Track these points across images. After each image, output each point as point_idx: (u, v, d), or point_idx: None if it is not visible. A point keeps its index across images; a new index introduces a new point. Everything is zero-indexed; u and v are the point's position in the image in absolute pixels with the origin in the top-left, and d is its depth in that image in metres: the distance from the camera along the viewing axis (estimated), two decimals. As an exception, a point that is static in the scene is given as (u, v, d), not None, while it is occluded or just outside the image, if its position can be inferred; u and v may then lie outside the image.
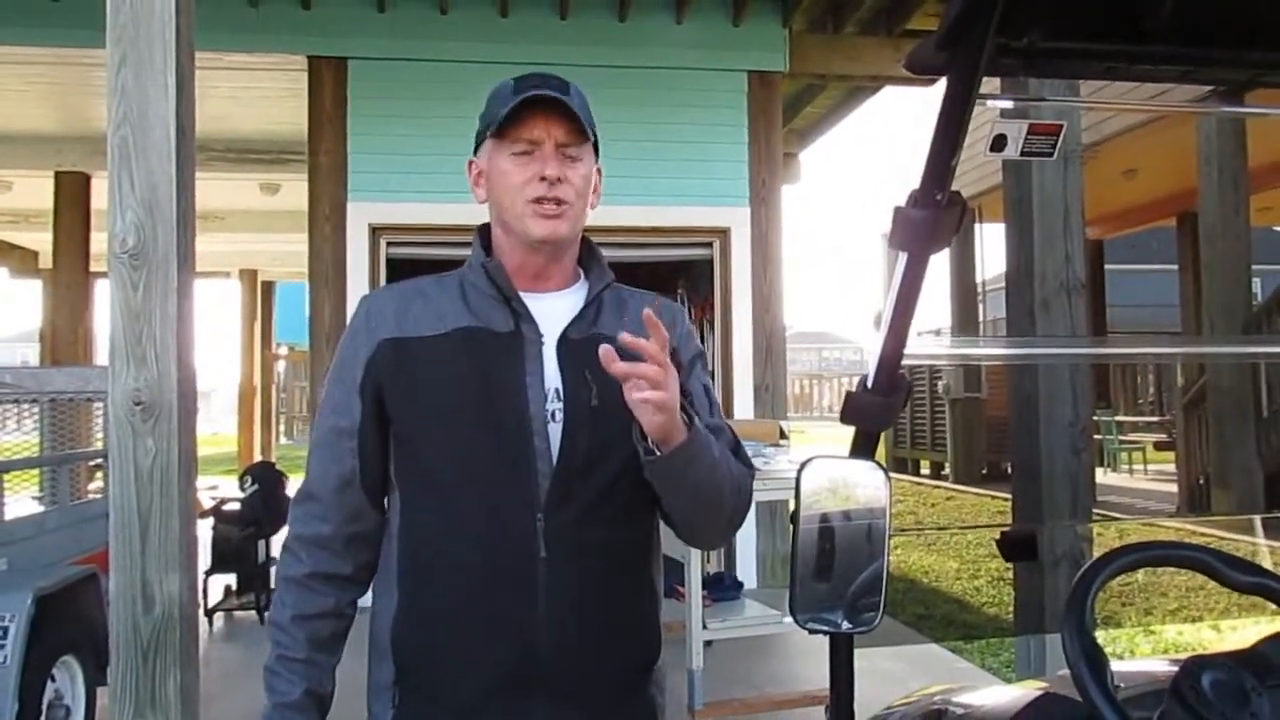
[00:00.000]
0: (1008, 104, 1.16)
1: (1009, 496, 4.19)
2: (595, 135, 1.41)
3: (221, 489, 7.78)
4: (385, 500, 1.42)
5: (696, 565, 3.58)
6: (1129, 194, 11.92)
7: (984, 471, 12.93)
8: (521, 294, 1.38)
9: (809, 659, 4.51)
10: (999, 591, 6.69)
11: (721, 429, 1.45)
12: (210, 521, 5.92)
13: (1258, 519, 3.08)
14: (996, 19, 0.98)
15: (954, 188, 1.13)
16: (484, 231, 1.46)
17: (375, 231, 6.30)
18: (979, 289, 13.69)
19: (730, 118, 6.66)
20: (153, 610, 2.19)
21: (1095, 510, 8.53)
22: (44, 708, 3.36)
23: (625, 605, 1.38)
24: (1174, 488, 10.10)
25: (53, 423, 4.26)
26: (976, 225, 12.45)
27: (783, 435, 4.66)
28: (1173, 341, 10.16)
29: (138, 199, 2.22)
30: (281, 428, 19.57)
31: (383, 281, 6.30)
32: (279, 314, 16.59)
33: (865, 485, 1.23)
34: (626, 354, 1.19)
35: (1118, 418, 13.60)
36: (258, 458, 13.06)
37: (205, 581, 5.61)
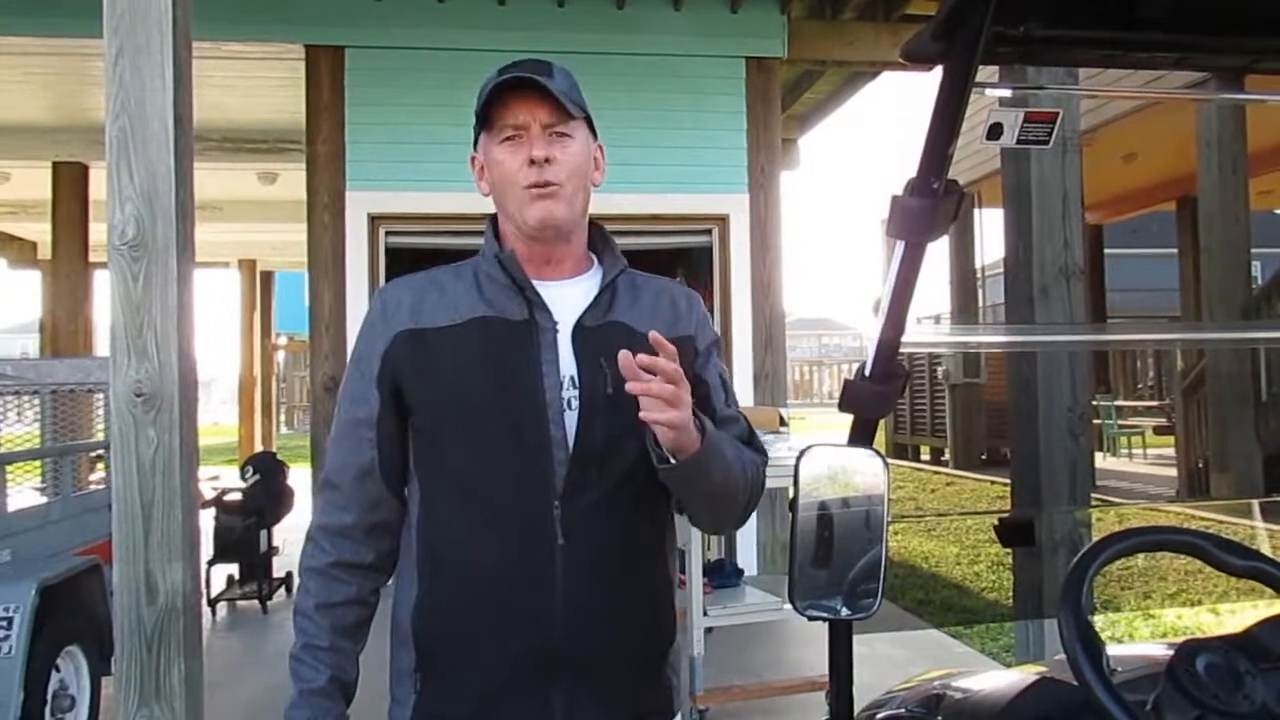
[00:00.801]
0: (1005, 92, 1.16)
1: (1009, 482, 4.20)
2: (587, 112, 1.41)
3: (223, 479, 7.79)
4: (405, 489, 1.43)
5: (697, 552, 3.59)
6: (1128, 178, 11.90)
7: (983, 457, 12.95)
8: (534, 282, 1.38)
9: (809, 645, 4.53)
10: (999, 577, 6.71)
11: (736, 419, 1.46)
12: (212, 512, 5.93)
13: (1256, 503, 3.09)
14: (993, 7, 0.98)
15: (953, 174, 1.13)
16: (495, 221, 1.47)
17: (374, 221, 6.29)
18: (978, 275, 13.68)
19: (728, 104, 6.65)
20: (156, 601, 2.20)
21: (1094, 495, 8.55)
22: (49, 698, 3.37)
23: (642, 590, 1.40)
24: (1173, 472, 10.12)
25: (54, 414, 4.26)
26: (976, 210, 12.44)
27: (783, 422, 4.67)
28: (1172, 326, 10.15)
29: (137, 190, 2.22)
30: (282, 418, 19.60)
31: (382, 271, 6.30)
32: (278, 304, 16.58)
33: (864, 472, 1.24)
34: (640, 345, 1.21)
35: (1117, 402, 13.62)
36: (259, 448, 13.08)
37: (208, 572, 5.63)
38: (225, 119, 7.97)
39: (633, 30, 6.46)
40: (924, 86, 8.82)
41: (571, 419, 1.34)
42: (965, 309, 13.29)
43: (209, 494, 6.03)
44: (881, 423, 1.37)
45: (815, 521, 1.22)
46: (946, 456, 13.57)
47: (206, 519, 4.86)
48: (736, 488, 1.36)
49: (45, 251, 11.11)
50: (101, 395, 4.44)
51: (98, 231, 8.53)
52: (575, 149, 1.38)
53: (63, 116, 8.31)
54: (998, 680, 1.49)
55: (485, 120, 1.38)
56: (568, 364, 1.36)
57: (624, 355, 1.19)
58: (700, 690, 3.58)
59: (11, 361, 4.93)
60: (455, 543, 1.36)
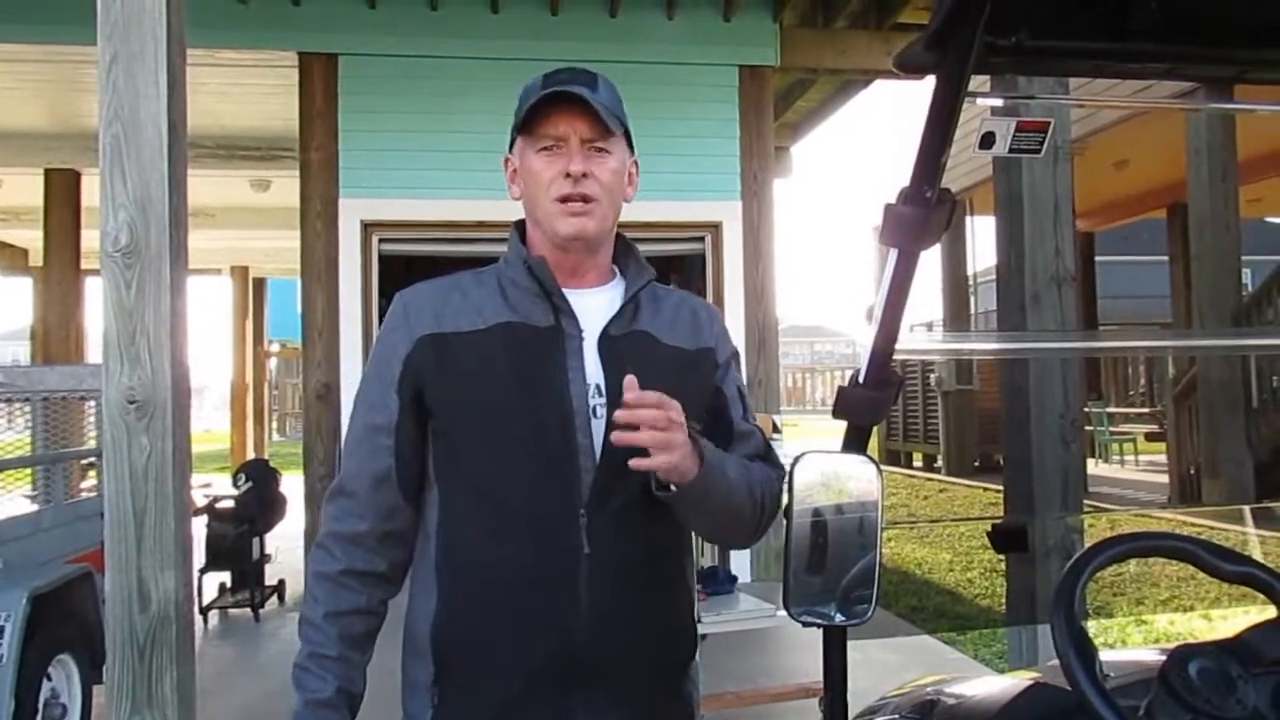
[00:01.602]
0: (996, 101, 1.17)
1: (1001, 488, 4.21)
2: (627, 126, 1.40)
3: (215, 487, 7.77)
4: (421, 498, 1.41)
5: (692, 559, 3.59)
6: (1119, 186, 11.95)
7: (976, 464, 12.96)
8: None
9: (802, 652, 4.53)
10: (992, 583, 6.72)
11: (751, 433, 1.46)
12: (204, 519, 5.92)
13: (1247, 509, 3.10)
14: (985, 18, 0.99)
15: (945, 182, 1.14)
16: (520, 227, 1.45)
17: (367, 228, 6.29)
18: (970, 282, 13.71)
19: (721, 112, 6.67)
20: (149, 608, 2.19)
21: (1087, 501, 8.57)
22: (40, 706, 3.36)
23: (664, 600, 1.39)
24: (1165, 478, 10.15)
25: (45, 421, 4.25)
26: (968, 218, 12.47)
27: (776, 429, 4.67)
28: (1163, 333, 10.20)
29: (130, 197, 2.22)
30: (274, 425, 19.54)
31: (375, 278, 6.30)
32: (270, 310, 16.55)
33: (857, 479, 1.24)
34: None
35: (1109, 409, 13.64)
36: (251, 455, 13.03)
37: (200, 579, 5.61)
38: (218, 126, 7.97)
39: (626, 39, 6.47)
40: (916, 95, 8.85)
41: (599, 427, 1.32)
42: (957, 316, 13.32)
43: (201, 501, 6.02)
44: (874, 430, 1.37)
45: (809, 528, 1.22)
46: (939, 463, 13.58)
47: (198, 526, 4.85)
48: (741, 508, 1.36)
49: (36, 258, 11.07)
50: (93, 403, 4.43)
51: (89, 238, 8.53)
52: (612, 165, 1.38)
53: (55, 123, 8.30)
54: (991, 686, 1.49)
55: (525, 127, 1.37)
56: (594, 372, 1.35)
57: (629, 380, 1.21)
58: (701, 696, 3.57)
59: (3, 369, 4.92)
60: (477, 549, 1.34)
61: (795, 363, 33.21)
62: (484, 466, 1.34)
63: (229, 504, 6.09)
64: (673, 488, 1.25)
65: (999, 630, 5.35)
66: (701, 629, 3.72)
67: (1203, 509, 8.40)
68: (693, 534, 1.48)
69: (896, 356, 1.27)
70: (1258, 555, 1.29)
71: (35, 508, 4.14)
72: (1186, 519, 7.71)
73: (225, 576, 6.07)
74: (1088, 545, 1.17)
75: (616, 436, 1.21)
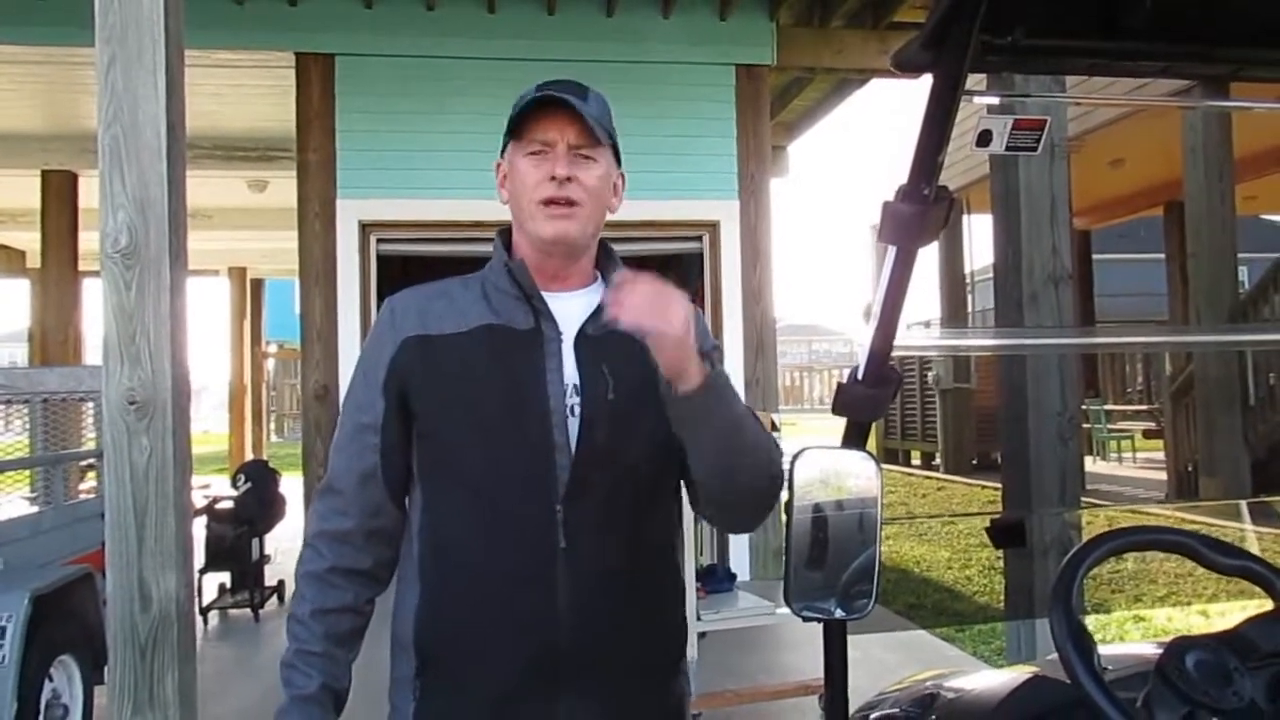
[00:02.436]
0: (993, 100, 1.18)
1: (999, 486, 4.22)
2: (614, 140, 1.43)
3: (214, 487, 7.78)
4: (406, 498, 1.44)
5: (690, 557, 3.60)
6: (1116, 184, 11.97)
7: (974, 461, 12.97)
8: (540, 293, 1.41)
9: (801, 650, 4.54)
10: (989, 580, 6.74)
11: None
12: (203, 520, 5.92)
13: (1244, 504, 3.11)
14: (981, 17, 1.00)
15: (941, 181, 1.15)
16: (505, 233, 1.49)
17: (365, 228, 6.29)
18: (968, 280, 13.73)
19: (718, 111, 6.67)
20: (150, 609, 2.20)
21: (1084, 499, 8.58)
22: (42, 707, 3.37)
23: (647, 597, 1.40)
24: (1163, 475, 10.17)
25: (45, 423, 4.25)
26: (965, 216, 12.49)
27: (774, 427, 4.68)
28: (1160, 330, 10.22)
29: (129, 198, 2.23)
30: (272, 426, 19.53)
31: (373, 278, 6.31)
32: (268, 311, 16.54)
33: (857, 475, 1.25)
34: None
35: (1106, 406, 13.66)
36: (249, 456, 13.03)
37: (200, 580, 5.61)
38: (215, 127, 7.96)
39: (623, 38, 6.48)
40: (913, 93, 8.86)
41: (574, 425, 1.35)
42: (955, 314, 13.33)
43: (200, 502, 6.01)
44: (872, 428, 1.38)
45: (810, 524, 1.23)
46: (937, 461, 13.60)
47: (198, 527, 4.85)
48: (744, 445, 1.32)
49: (34, 260, 11.07)
50: (91, 404, 4.43)
51: (87, 240, 8.53)
52: (597, 172, 1.40)
53: (52, 125, 8.30)
54: (991, 679, 1.50)
55: (515, 131, 1.40)
56: (571, 372, 1.38)
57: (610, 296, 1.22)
58: (693, 695, 3.58)
59: (3, 370, 4.92)
60: (457, 545, 1.37)
61: (793, 361, 33.20)
62: (464, 465, 1.37)
63: (228, 505, 6.09)
64: (679, 391, 1.23)
65: (997, 627, 5.37)
66: (701, 626, 3.73)
67: (1200, 505, 8.41)
68: (688, 531, 1.48)
69: (895, 354, 1.28)
70: (1255, 550, 1.29)
71: (36, 509, 4.14)
72: (1184, 515, 7.72)
73: (225, 577, 6.07)
74: (1087, 539, 1.18)
75: (610, 298, 1.21)
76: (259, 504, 6.13)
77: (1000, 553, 4.66)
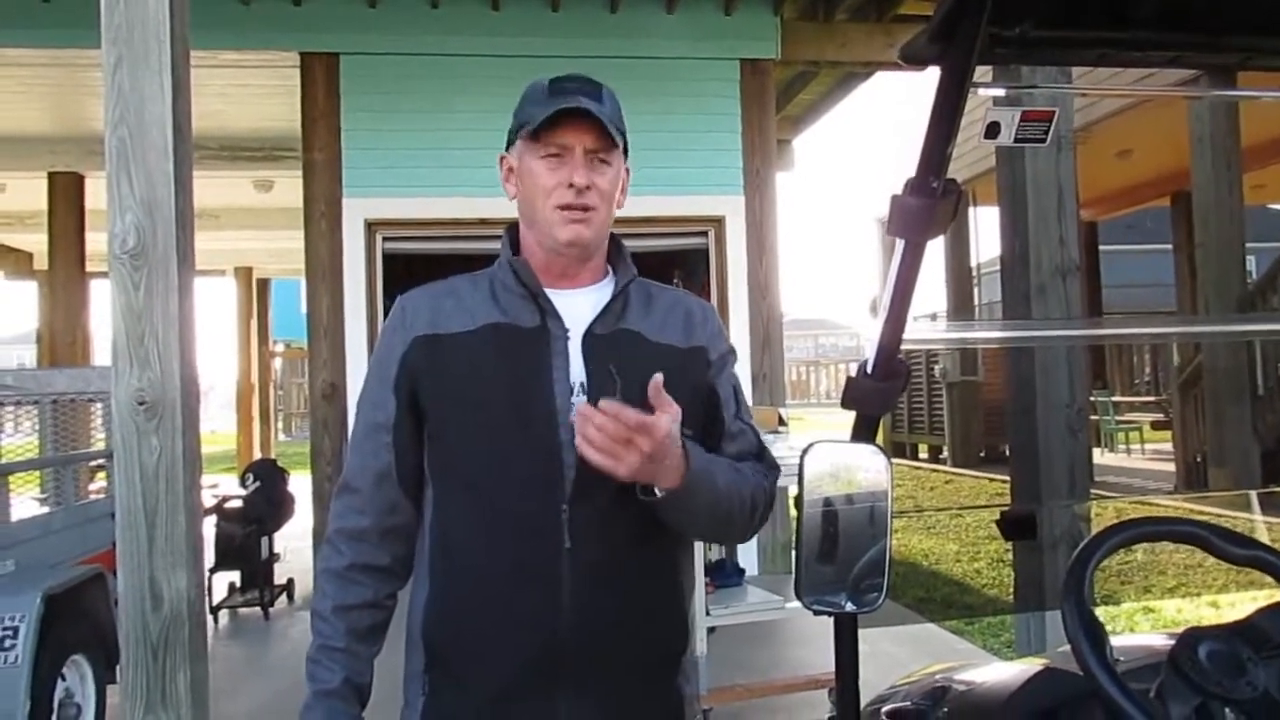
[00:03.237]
0: (999, 92, 1.18)
1: (1007, 479, 4.22)
2: (625, 138, 1.43)
3: (222, 487, 7.79)
4: (421, 494, 1.45)
5: (699, 553, 3.60)
6: (1123, 175, 11.93)
7: (982, 454, 12.95)
8: (548, 290, 1.41)
9: (811, 644, 4.54)
10: (999, 573, 6.73)
11: (744, 432, 1.47)
12: (213, 519, 5.94)
13: (1254, 495, 3.10)
14: (989, 9, 0.99)
15: (949, 173, 1.15)
16: (513, 230, 1.49)
17: (371, 227, 6.30)
18: (974, 273, 13.69)
19: (723, 106, 6.67)
20: (161, 608, 2.20)
21: (1093, 491, 8.57)
22: (55, 707, 3.38)
23: (650, 596, 1.40)
24: (1171, 467, 10.14)
25: (54, 424, 4.27)
26: (971, 209, 12.44)
27: (781, 422, 4.68)
28: (1168, 321, 10.18)
29: (137, 199, 2.23)
30: (279, 425, 19.56)
31: (380, 276, 6.31)
32: (275, 311, 16.56)
33: (867, 469, 1.25)
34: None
35: (1114, 398, 13.63)
36: (257, 455, 13.05)
37: (209, 579, 5.63)
38: (221, 127, 7.98)
39: (626, 34, 6.47)
40: (918, 85, 8.83)
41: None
42: (962, 307, 13.30)
43: (209, 501, 6.03)
44: (880, 422, 1.38)
45: (820, 517, 1.23)
46: (945, 454, 13.58)
47: (207, 526, 4.87)
48: (729, 514, 1.38)
49: (41, 262, 11.10)
50: (100, 405, 4.45)
51: (94, 242, 8.55)
52: (611, 175, 1.42)
53: (59, 127, 8.32)
54: (1002, 672, 1.50)
55: (532, 133, 1.39)
56: (578, 370, 1.38)
57: (656, 379, 1.23)
58: (703, 690, 3.59)
59: (12, 372, 4.94)
60: (464, 544, 1.38)
61: (799, 356, 33.16)
62: (472, 464, 1.37)
63: (237, 504, 6.12)
64: (657, 492, 1.27)
65: (1007, 620, 5.36)
66: (710, 621, 3.73)
67: (1209, 495, 8.39)
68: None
69: (903, 347, 1.28)
70: (1265, 540, 1.29)
71: (46, 510, 4.16)
72: (1193, 506, 7.71)
73: (234, 576, 6.09)
74: (1098, 530, 1.17)
75: (578, 443, 1.23)
76: (268, 503, 6.15)
77: (1009, 545, 4.65)
